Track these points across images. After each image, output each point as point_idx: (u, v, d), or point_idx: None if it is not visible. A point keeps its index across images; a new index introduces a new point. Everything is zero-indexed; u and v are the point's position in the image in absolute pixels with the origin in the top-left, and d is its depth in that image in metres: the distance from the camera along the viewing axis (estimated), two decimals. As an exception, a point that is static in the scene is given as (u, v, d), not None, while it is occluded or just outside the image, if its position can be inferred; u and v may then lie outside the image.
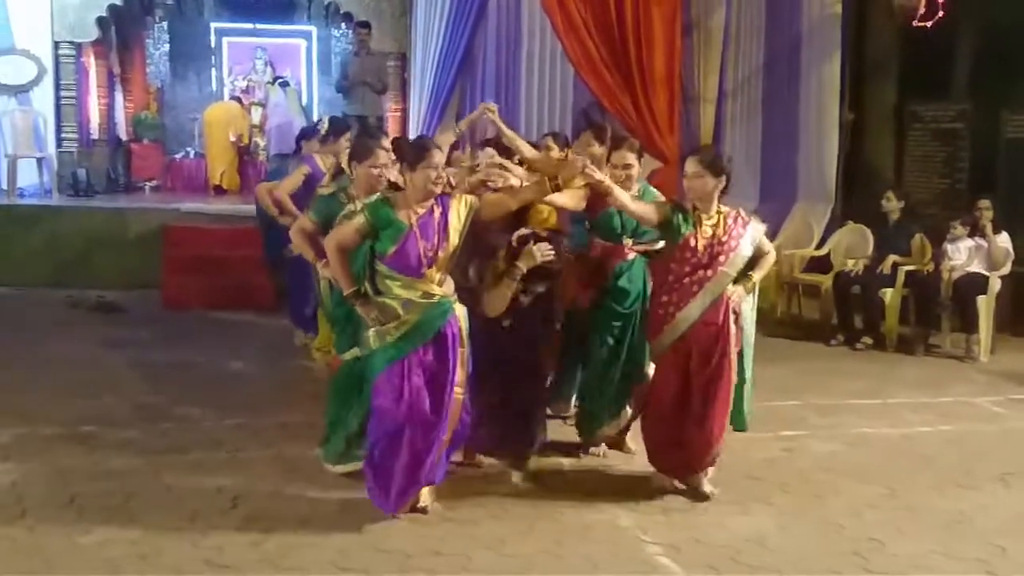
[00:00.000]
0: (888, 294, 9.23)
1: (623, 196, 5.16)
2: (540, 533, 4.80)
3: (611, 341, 5.71)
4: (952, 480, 5.77)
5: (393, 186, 5.08)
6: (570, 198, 5.34)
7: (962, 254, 9.21)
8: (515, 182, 5.29)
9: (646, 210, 5.22)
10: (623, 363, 5.73)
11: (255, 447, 5.89)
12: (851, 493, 5.49)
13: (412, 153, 4.80)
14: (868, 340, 9.25)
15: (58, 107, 12.89)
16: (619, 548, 4.69)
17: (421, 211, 4.74)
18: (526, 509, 5.08)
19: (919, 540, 4.88)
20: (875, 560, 4.63)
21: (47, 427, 6.12)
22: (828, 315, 9.88)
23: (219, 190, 14.30)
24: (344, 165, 5.78)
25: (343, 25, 15.88)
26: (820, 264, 10.42)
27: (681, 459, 5.33)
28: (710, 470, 5.37)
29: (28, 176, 12.53)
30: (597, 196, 5.33)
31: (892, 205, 9.59)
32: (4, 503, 4.94)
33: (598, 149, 5.88)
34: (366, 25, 12.43)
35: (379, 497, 4.85)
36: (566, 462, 5.86)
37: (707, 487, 5.32)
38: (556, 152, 6.31)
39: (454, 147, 5.90)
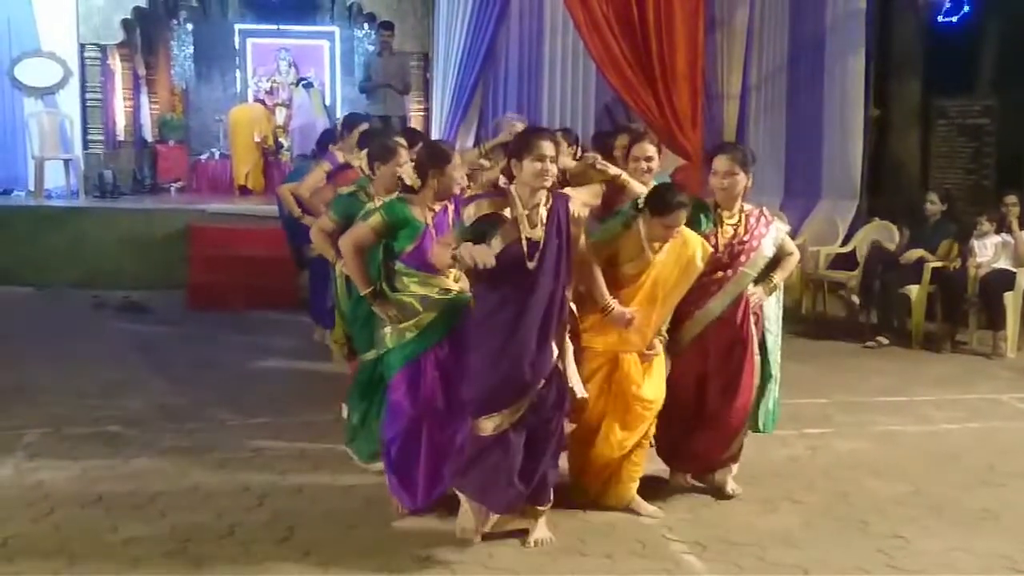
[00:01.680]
0: (914, 291, 9.17)
1: (640, 189, 5.13)
2: (564, 530, 4.79)
3: None
4: (978, 477, 5.73)
5: (407, 188, 5.08)
6: (585, 193, 5.33)
7: (989, 250, 9.14)
8: None
9: None
10: None
11: (280, 446, 5.92)
12: (876, 491, 5.47)
13: (433, 158, 4.82)
14: (883, 339, 9.19)
15: (84, 109, 13.00)
16: (644, 546, 4.68)
17: (437, 208, 4.79)
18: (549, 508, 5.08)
19: (944, 537, 4.85)
20: (900, 557, 4.61)
21: (73, 427, 6.18)
22: (853, 312, 9.85)
23: (244, 191, 14.39)
24: (364, 165, 5.78)
25: (366, 26, 15.94)
26: (845, 261, 10.36)
27: (695, 456, 5.30)
28: (734, 467, 5.35)
29: (55, 178, 12.65)
30: (612, 193, 5.31)
31: (936, 208, 9.47)
32: (31, 501, 4.98)
33: None
34: (389, 26, 12.47)
35: (402, 494, 4.87)
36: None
37: (730, 487, 5.30)
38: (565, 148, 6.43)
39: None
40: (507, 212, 4.36)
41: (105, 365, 7.77)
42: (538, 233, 4.38)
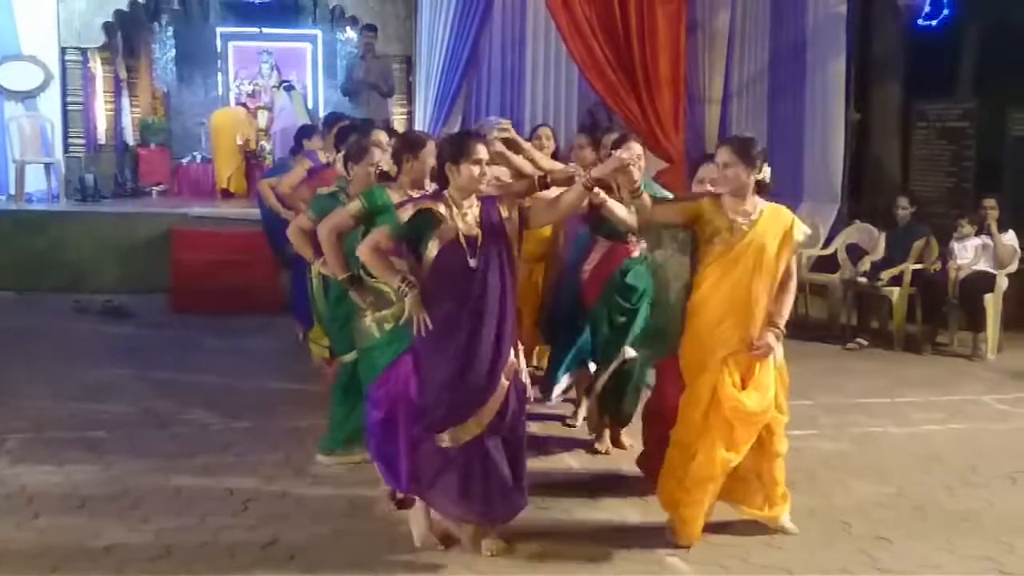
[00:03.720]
0: (895, 293, 9.23)
1: (616, 207, 5.03)
2: (548, 532, 4.81)
3: (610, 334, 5.81)
4: (960, 478, 5.77)
5: (384, 176, 5.11)
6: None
7: (969, 253, 9.21)
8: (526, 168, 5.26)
9: (626, 215, 5.07)
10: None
11: (264, 450, 5.91)
12: (859, 492, 5.50)
13: (408, 145, 4.93)
14: (862, 340, 9.27)
15: (65, 112, 12.94)
16: (628, 548, 4.69)
17: (415, 195, 4.81)
18: (534, 509, 5.06)
19: (927, 538, 4.88)
20: (883, 559, 4.64)
21: (57, 432, 6.16)
22: (836, 315, 9.90)
23: (226, 194, 14.35)
24: (340, 167, 5.80)
25: (348, 29, 15.92)
26: (827, 264, 10.41)
27: None
28: None
29: (36, 181, 12.55)
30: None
31: (906, 212, 9.54)
32: (15, 507, 4.97)
33: (591, 154, 6.05)
34: (372, 28, 12.47)
35: (389, 477, 4.86)
36: (574, 462, 5.88)
37: None
38: (551, 142, 6.69)
39: None
40: (443, 211, 4.39)
41: (87, 369, 7.74)
42: (474, 231, 4.41)
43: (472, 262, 4.36)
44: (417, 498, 4.66)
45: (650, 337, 5.34)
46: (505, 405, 4.47)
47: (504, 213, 4.50)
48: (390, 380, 4.75)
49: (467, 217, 4.41)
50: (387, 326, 4.80)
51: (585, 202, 5.12)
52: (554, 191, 5.18)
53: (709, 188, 5.04)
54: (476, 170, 4.38)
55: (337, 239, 4.87)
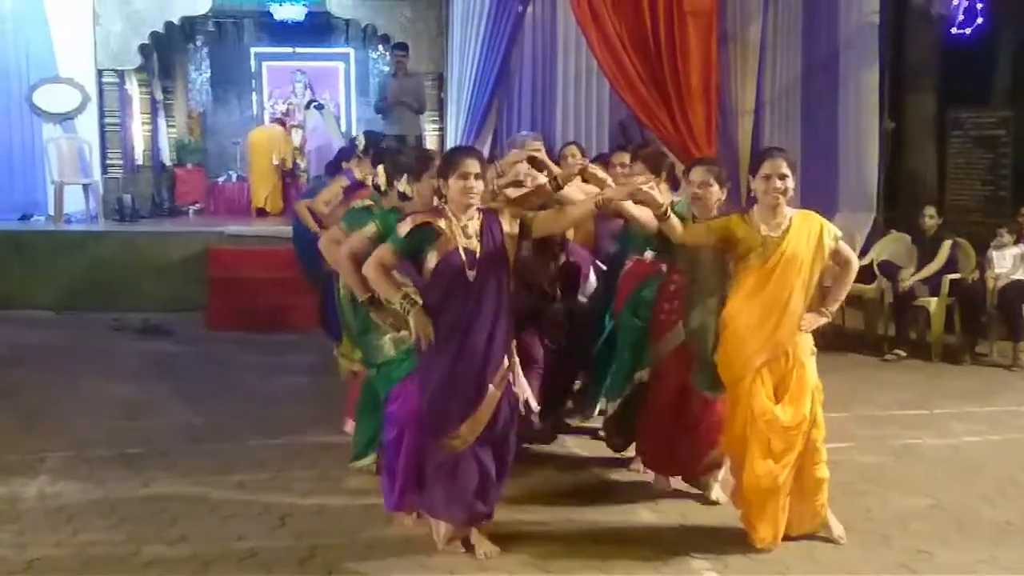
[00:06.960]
0: (932, 303, 9.15)
1: (634, 209, 5.01)
2: (583, 547, 4.79)
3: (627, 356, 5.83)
4: (1000, 490, 5.70)
5: (401, 196, 5.16)
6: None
7: (1007, 261, 9.13)
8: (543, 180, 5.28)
9: (648, 217, 5.03)
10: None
11: (300, 466, 5.94)
12: (898, 504, 5.45)
13: (417, 163, 4.98)
14: (900, 352, 9.19)
15: (103, 134, 13.12)
16: (666, 563, 4.67)
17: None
18: (569, 523, 5.09)
19: (967, 550, 4.82)
20: (923, 571, 4.59)
21: (95, 450, 6.21)
22: (873, 325, 9.82)
23: (262, 212, 14.45)
24: (380, 181, 5.83)
25: (380, 47, 16.04)
26: (863, 274, 10.32)
27: (679, 462, 5.43)
28: (718, 474, 5.41)
29: (74, 202, 12.73)
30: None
31: (933, 222, 9.50)
32: (54, 525, 5.01)
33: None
34: (403, 47, 12.54)
35: (386, 494, 5.00)
36: (606, 474, 5.86)
37: (715, 494, 5.37)
38: (580, 159, 6.52)
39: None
40: (442, 224, 4.46)
41: (125, 387, 7.81)
42: (474, 244, 4.47)
43: (470, 274, 4.44)
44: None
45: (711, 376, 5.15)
46: (496, 415, 4.53)
47: (506, 227, 4.57)
48: (402, 398, 4.80)
49: (467, 230, 4.48)
50: (403, 346, 4.87)
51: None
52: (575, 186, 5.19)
53: (699, 192, 5.12)
54: (462, 184, 4.44)
55: (355, 262, 4.89)
